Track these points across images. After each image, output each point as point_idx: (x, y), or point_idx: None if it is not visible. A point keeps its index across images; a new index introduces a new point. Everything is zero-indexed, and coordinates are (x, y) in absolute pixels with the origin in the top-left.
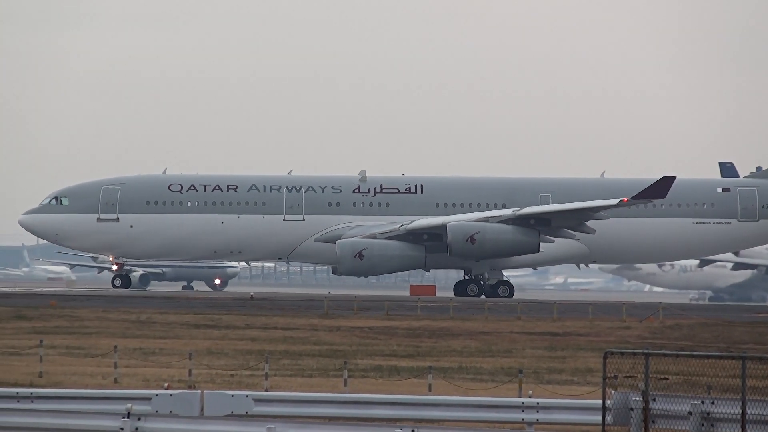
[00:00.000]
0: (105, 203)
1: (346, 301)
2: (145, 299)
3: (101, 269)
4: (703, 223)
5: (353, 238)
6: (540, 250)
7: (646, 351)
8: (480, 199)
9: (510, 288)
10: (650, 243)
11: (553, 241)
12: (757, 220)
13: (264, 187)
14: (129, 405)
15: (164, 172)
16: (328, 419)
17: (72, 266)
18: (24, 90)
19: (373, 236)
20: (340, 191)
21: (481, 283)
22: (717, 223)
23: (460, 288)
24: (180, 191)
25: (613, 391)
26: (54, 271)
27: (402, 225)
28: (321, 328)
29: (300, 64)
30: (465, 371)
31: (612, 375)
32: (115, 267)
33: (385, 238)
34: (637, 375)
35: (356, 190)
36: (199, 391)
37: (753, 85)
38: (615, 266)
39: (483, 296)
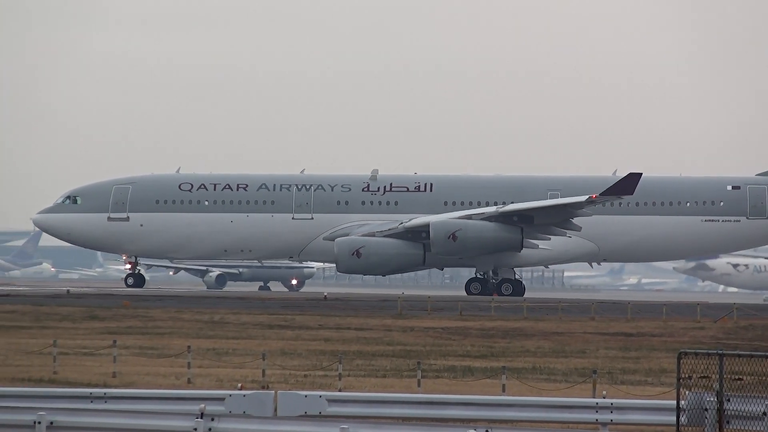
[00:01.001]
0: (116, 202)
1: (420, 302)
2: (218, 300)
3: (177, 269)
4: (712, 221)
5: (352, 236)
6: (523, 247)
7: (720, 351)
8: (488, 198)
9: (516, 286)
10: (658, 241)
11: (549, 239)
12: (767, 218)
13: (274, 186)
14: (202, 405)
15: (178, 171)
16: (402, 420)
17: (148, 266)
18: (57, 88)
19: (372, 234)
20: (350, 190)
21: (493, 281)
22: (726, 221)
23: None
24: (190, 190)
25: (687, 392)
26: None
27: (401, 223)
28: (394, 329)
29: (318, 65)
30: (538, 372)
31: (686, 375)
32: (128, 266)
33: (384, 236)
34: (712, 375)
35: (366, 189)
36: (273, 392)
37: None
38: (689, 266)
39: (493, 294)
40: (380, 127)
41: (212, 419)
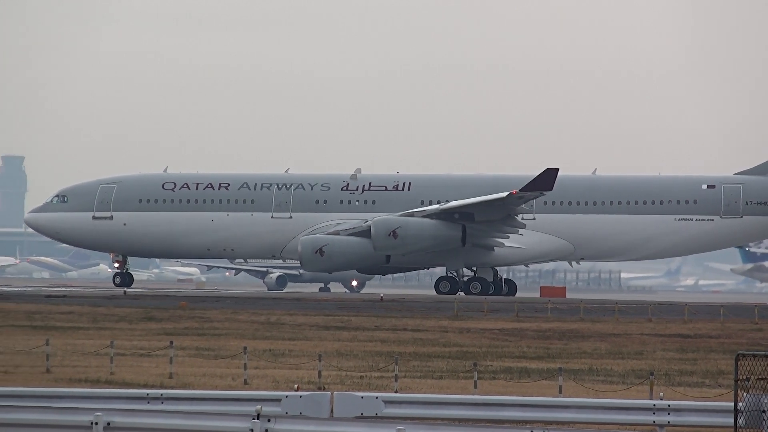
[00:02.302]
0: (100, 201)
1: (476, 303)
2: (274, 301)
3: (237, 271)
4: (686, 219)
5: (316, 235)
6: (463, 245)
7: None
8: (465, 196)
9: (483, 285)
10: (632, 240)
11: (507, 237)
12: (741, 217)
13: (255, 185)
14: (259, 406)
15: (165, 170)
16: (458, 421)
17: (209, 267)
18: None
19: (337, 233)
20: (329, 189)
21: (462, 279)
22: (700, 219)
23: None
24: (173, 190)
25: (745, 394)
26: (184, 272)
27: (367, 221)
28: (451, 330)
29: (320, 67)
30: (595, 373)
31: (744, 377)
32: (116, 265)
33: (348, 235)
34: None
35: (344, 188)
36: (329, 393)
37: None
38: (747, 268)
39: (460, 293)
40: (372, 128)
41: (269, 420)
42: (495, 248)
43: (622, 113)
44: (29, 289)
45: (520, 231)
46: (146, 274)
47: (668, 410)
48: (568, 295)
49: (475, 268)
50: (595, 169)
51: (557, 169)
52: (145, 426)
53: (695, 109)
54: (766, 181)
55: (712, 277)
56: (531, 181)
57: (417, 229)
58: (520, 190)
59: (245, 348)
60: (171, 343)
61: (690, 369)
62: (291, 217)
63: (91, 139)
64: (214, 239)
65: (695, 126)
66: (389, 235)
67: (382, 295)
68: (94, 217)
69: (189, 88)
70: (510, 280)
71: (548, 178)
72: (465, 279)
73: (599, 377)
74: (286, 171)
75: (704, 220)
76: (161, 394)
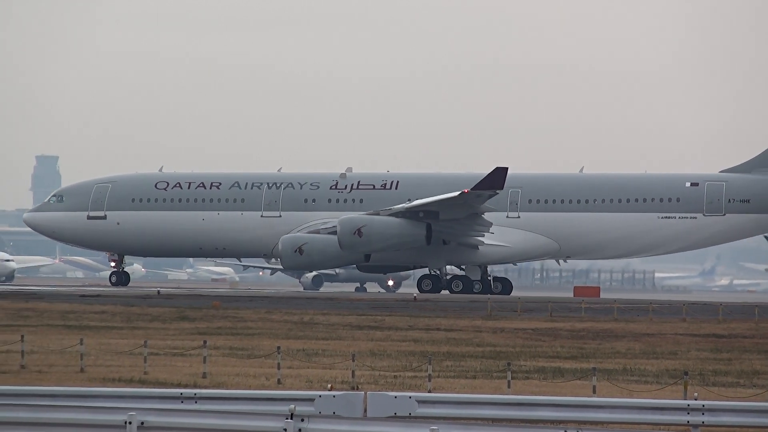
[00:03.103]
0: (95, 201)
1: (510, 303)
2: (307, 300)
3: (274, 270)
4: (669, 217)
5: (295, 234)
6: (429, 243)
7: None
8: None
9: (466, 283)
10: (616, 238)
11: (482, 235)
12: (724, 215)
13: (246, 184)
14: (292, 406)
15: (160, 170)
16: (492, 421)
17: (245, 267)
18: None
19: (317, 231)
20: (318, 188)
21: (446, 277)
22: (682, 217)
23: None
24: (165, 189)
25: None
26: (218, 272)
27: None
28: (484, 330)
29: (323, 68)
30: (629, 373)
31: None
32: (112, 264)
33: (328, 233)
34: None
35: (333, 187)
36: (363, 393)
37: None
38: None
39: (444, 291)
40: (385, 128)
41: (302, 420)
42: (479, 246)
43: (617, 111)
44: (63, 289)
45: (491, 230)
46: (181, 273)
47: (702, 410)
48: (602, 295)
49: (463, 267)
50: (582, 167)
51: (506, 168)
52: (179, 425)
53: (688, 106)
54: (750, 179)
55: (747, 277)
56: (481, 180)
57: (382, 227)
58: (471, 189)
59: (279, 347)
60: (204, 342)
61: (724, 369)
62: (280, 216)
63: (126, 139)
64: (205, 238)
65: (689, 124)
66: (354, 233)
67: (415, 294)
68: (88, 217)
69: (207, 88)
70: (505, 278)
71: (498, 176)
72: (448, 277)
73: (633, 377)
74: (279, 170)
75: (687, 217)
76: (195, 394)
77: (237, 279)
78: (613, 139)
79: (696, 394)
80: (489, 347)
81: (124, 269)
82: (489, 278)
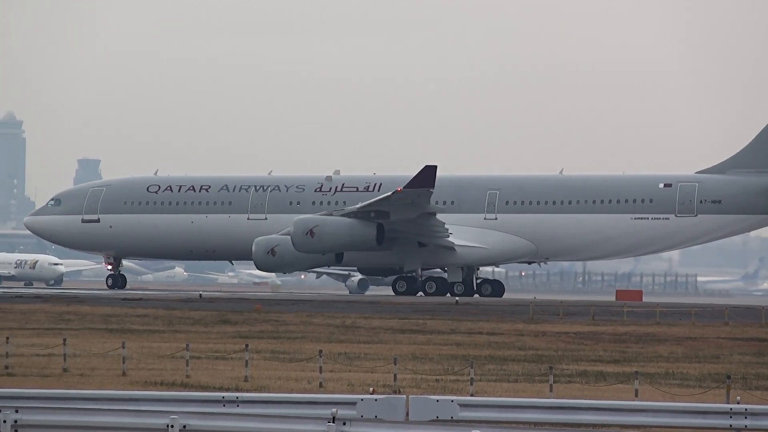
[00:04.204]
0: (89, 204)
1: (552, 306)
2: (349, 304)
3: (320, 274)
4: (642, 218)
5: (269, 235)
6: (380, 243)
7: None
8: (435, 197)
9: (439, 285)
10: (589, 239)
11: (447, 237)
12: (695, 216)
13: (234, 187)
14: (334, 409)
15: (156, 173)
16: (534, 424)
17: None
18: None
19: (288, 233)
20: (303, 190)
21: (420, 278)
22: (655, 218)
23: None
24: (156, 192)
25: None
26: (260, 275)
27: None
28: (526, 333)
29: (322, 68)
30: (671, 377)
31: None
32: (108, 267)
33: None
34: None
35: (318, 189)
36: (405, 396)
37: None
38: None
39: (420, 294)
40: (379, 131)
41: (344, 423)
42: (455, 248)
43: (609, 111)
44: (105, 292)
45: (468, 232)
46: (223, 277)
47: (745, 414)
48: (644, 299)
49: (446, 268)
50: (562, 169)
51: (435, 166)
52: (221, 429)
53: (679, 106)
54: (722, 180)
55: None
56: (412, 178)
57: (333, 227)
58: (404, 188)
59: (320, 351)
60: (246, 346)
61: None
62: (266, 219)
63: (167, 144)
64: (194, 241)
65: (682, 123)
66: (307, 233)
67: (457, 298)
68: (83, 220)
69: (201, 88)
70: (497, 281)
71: (428, 175)
72: (422, 278)
73: (675, 381)
74: (269, 173)
75: (660, 219)
76: (237, 397)
77: (278, 282)
78: (597, 140)
79: (739, 398)
80: (531, 351)
81: (121, 272)
82: (477, 280)
